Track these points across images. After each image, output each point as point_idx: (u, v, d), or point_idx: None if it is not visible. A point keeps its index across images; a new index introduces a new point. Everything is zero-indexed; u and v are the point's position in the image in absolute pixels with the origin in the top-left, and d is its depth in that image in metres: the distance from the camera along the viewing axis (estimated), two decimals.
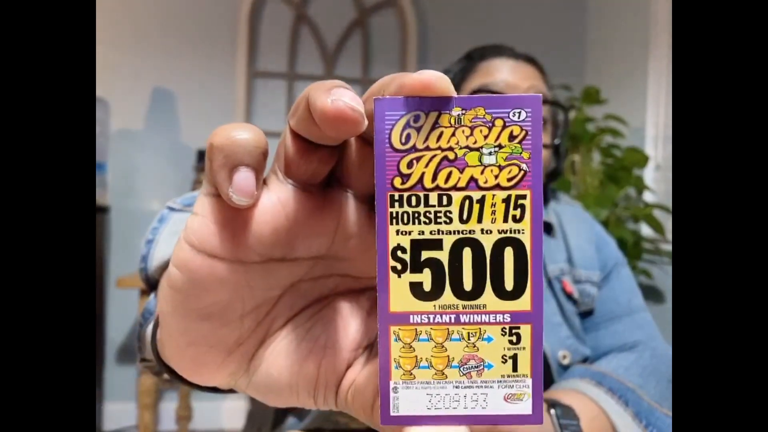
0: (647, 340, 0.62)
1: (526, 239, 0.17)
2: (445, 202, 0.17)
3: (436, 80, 0.17)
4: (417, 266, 0.17)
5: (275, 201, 0.19)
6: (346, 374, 0.21)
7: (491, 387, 0.18)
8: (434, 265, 0.17)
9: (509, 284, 0.17)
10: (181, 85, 1.81)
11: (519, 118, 0.17)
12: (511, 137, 0.17)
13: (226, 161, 0.18)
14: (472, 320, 0.18)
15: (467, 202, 0.17)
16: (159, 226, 0.38)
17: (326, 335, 0.21)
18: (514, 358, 0.18)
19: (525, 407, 0.18)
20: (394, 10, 1.94)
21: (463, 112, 0.17)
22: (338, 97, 0.16)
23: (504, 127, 0.17)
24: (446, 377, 0.18)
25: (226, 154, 0.18)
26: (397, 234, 0.17)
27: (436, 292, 0.18)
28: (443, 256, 0.17)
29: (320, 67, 1.91)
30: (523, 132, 0.17)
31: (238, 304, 0.20)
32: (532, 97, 0.17)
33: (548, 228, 0.67)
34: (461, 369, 0.18)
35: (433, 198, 0.17)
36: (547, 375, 0.59)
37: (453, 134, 0.17)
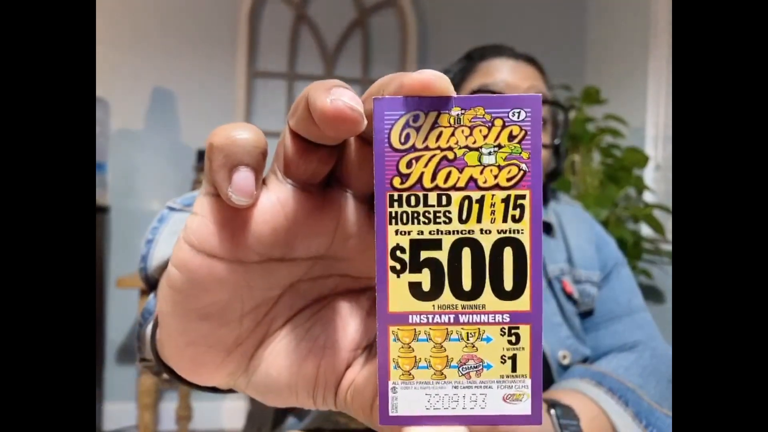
0: (647, 340, 0.62)
1: (525, 239, 0.17)
2: (444, 202, 0.17)
3: (435, 80, 0.17)
4: (416, 266, 0.17)
5: (274, 201, 0.19)
6: (345, 374, 0.21)
7: (490, 387, 0.18)
8: (433, 265, 0.17)
9: (508, 284, 0.17)
10: (181, 85, 1.81)
11: (518, 118, 0.17)
12: (511, 137, 0.17)
13: (225, 161, 0.18)
14: (471, 320, 0.18)
15: (466, 202, 0.17)
16: (159, 225, 0.38)
17: (325, 335, 0.21)
18: (513, 358, 0.18)
19: (524, 408, 0.18)
20: (394, 10, 1.94)
21: (463, 111, 0.17)
22: (337, 97, 0.16)
23: (503, 126, 0.17)
24: (445, 377, 0.18)
25: (225, 154, 0.18)
26: (396, 234, 0.17)
27: (435, 292, 0.18)
28: (442, 256, 0.17)
29: (320, 67, 1.91)
30: (523, 132, 0.17)
31: (238, 304, 0.20)
32: (531, 97, 0.17)
33: (548, 228, 0.67)
34: (460, 369, 0.18)
35: (433, 198, 0.17)
36: (547, 375, 0.59)
37: (452, 134, 0.17)
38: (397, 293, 0.17)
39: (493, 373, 0.18)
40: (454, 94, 0.17)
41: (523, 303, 0.17)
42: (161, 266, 0.36)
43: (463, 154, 0.17)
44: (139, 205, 1.79)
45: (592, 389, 0.51)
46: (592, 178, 1.56)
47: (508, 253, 0.17)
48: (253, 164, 0.18)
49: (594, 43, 2.02)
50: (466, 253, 0.17)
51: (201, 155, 1.75)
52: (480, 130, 0.17)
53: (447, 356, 0.18)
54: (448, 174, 0.17)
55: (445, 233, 0.17)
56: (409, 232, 0.17)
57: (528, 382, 0.18)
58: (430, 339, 0.18)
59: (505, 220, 0.17)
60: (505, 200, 0.17)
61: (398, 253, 0.17)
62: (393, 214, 0.17)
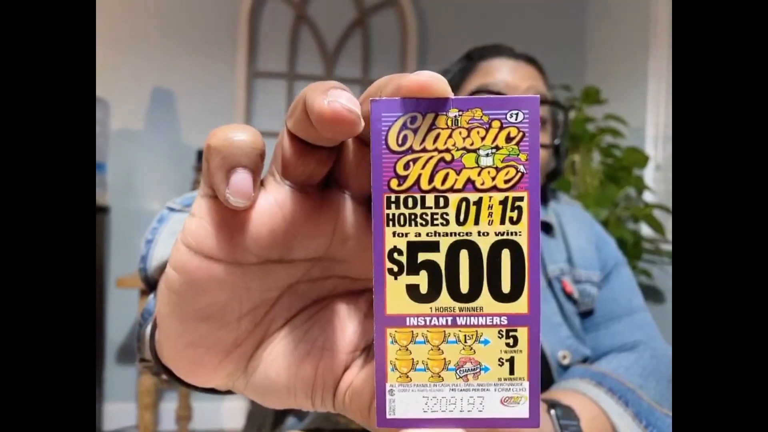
0: (647, 340, 0.62)
1: (523, 241, 0.17)
2: (441, 203, 0.17)
3: (433, 81, 0.16)
4: (413, 268, 0.17)
5: (272, 202, 0.19)
6: (343, 376, 0.21)
7: (488, 390, 0.18)
8: (431, 267, 0.17)
9: (506, 286, 0.17)
10: (181, 85, 1.81)
11: (516, 119, 0.17)
12: (509, 139, 0.17)
13: (223, 163, 0.18)
14: (468, 323, 0.18)
15: (464, 203, 0.17)
16: (158, 226, 0.38)
17: (324, 337, 0.21)
18: (511, 361, 0.18)
19: (522, 410, 0.18)
20: (394, 10, 1.94)
21: (460, 113, 0.17)
22: (335, 99, 0.16)
23: (501, 128, 0.17)
24: (443, 380, 0.18)
25: (223, 156, 0.18)
26: (394, 236, 0.17)
27: (432, 295, 0.17)
28: (440, 258, 0.17)
29: (320, 67, 1.91)
30: (521, 133, 0.17)
31: (236, 306, 0.20)
32: (529, 98, 0.17)
33: (548, 228, 0.67)
34: (458, 372, 0.18)
35: (430, 200, 0.17)
36: (547, 375, 0.59)
37: (450, 136, 0.17)
38: (395, 295, 0.17)
39: (490, 376, 0.18)
40: (451, 95, 0.17)
41: (520, 305, 0.17)
42: (161, 267, 0.36)
43: (461, 156, 0.17)
44: (139, 205, 1.79)
45: (592, 389, 0.51)
46: (592, 178, 1.56)
47: (505, 255, 0.17)
48: (250, 166, 0.18)
49: (594, 43, 2.02)
50: (464, 256, 0.17)
51: (201, 155, 1.74)
52: (478, 132, 0.17)
53: (444, 359, 0.18)
54: (446, 176, 0.17)
55: (443, 235, 0.17)
56: (406, 234, 0.17)
57: (526, 384, 0.18)
58: (428, 341, 0.18)
59: (502, 222, 0.17)
60: (503, 202, 0.17)
61: (395, 255, 0.17)
62: (390, 216, 0.17)
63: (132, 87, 1.78)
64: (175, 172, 1.80)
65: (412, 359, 0.18)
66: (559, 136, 0.68)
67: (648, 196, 1.60)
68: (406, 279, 0.17)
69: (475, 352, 0.18)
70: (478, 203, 0.17)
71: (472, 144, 0.17)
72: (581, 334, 0.64)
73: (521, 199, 0.17)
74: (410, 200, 0.17)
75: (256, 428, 0.72)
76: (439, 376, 0.18)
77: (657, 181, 1.64)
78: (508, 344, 0.18)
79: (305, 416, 0.61)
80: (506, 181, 0.17)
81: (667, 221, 1.53)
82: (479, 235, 0.17)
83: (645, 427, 0.49)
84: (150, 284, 0.37)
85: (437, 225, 0.17)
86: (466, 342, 0.18)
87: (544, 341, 0.60)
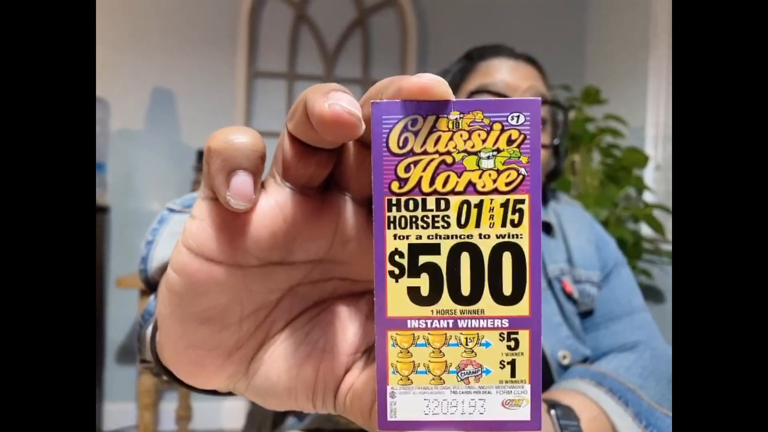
0: (647, 340, 0.62)
1: (524, 244, 0.17)
2: (442, 206, 0.17)
3: (434, 84, 0.16)
4: (415, 271, 0.17)
5: (273, 204, 0.19)
6: (344, 378, 0.21)
7: (489, 393, 0.18)
8: (432, 269, 0.17)
9: (507, 289, 0.17)
10: (181, 85, 1.81)
11: (517, 122, 0.17)
12: (510, 141, 0.17)
13: (223, 165, 0.18)
14: (470, 325, 0.18)
15: (465, 206, 0.17)
16: (159, 227, 0.38)
17: (325, 339, 0.21)
18: (513, 363, 0.18)
19: (523, 413, 0.18)
20: (394, 10, 1.94)
21: (461, 115, 0.17)
22: (335, 101, 0.16)
23: (502, 130, 0.17)
24: (444, 382, 0.18)
25: (223, 158, 0.18)
26: (395, 238, 0.17)
27: (433, 297, 0.17)
28: (441, 260, 0.17)
29: (320, 67, 1.91)
30: (522, 136, 0.17)
31: (237, 308, 0.20)
32: (530, 100, 0.17)
33: (548, 228, 0.67)
34: (459, 374, 0.18)
35: (431, 202, 0.17)
36: (547, 375, 0.59)
37: (451, 138, 0.17)
38: (396, 298, 0.17)
39: (492, 379, 0.18)
40: (452, 98, 0.17)
41: (522, 308, 0.17)
42: (161, 268, 0.36)
43: (462, 159, 0.17)
44: (139, 205, 1.79)
45: (592, 389, 0.51)
46: (592, 178, 1.56)
47: (507, 258, 0.17)
48: (251, 168, 0.18)
49: (594, 43, 2.02)
50: (465, 258, 0.17)
51: (201, 155, 1.74)
52: (479, 134, 0.17)
53: (446, 361, 0.18)
54: (447, 178, 0.17)
55: (444, 238, 0.17)
56: (407, 237, 0.17)
57: (527, 387, 0.18)
58: (429, 344, 0.18)
59: (503, 225, 0.17)
60: (504, 205, 0.17)
61: (397, 257, 0.17)
62: (391, 219, 0.17)
63: (132, 87, 1.78)
64: (175, 172, 1.80)
65: (413, 362, 0.18)
66: (559, 136, 0.68)
67: (648, 196, 1.60)
68: (407, 282, 0.17)
69: (476, 354, 0.18)
70: (479, 206, 0.17)
71: (473, 146, 0.17)
72: (581, 334, 0.64)
73: (522, 201, 0.17)
74: (411, 203, 0.17)
75: (256, 428, 0.72)
76: (441, 379, 0.18)
77: (657, 181, 1.64)
78: (509, 347, 0.18)
79: (305, 416, 0.61)
80: (507, 184, 0.17)
81: (667, 221, 1.53)
82: (480, 237, 0.17)
83: (645, 427, 0.49)
84: (150, 285, 0.37)
85: (438, 228, 0.17)
86: (467, 345, 0.18)
87: (544, 341, 0.60)
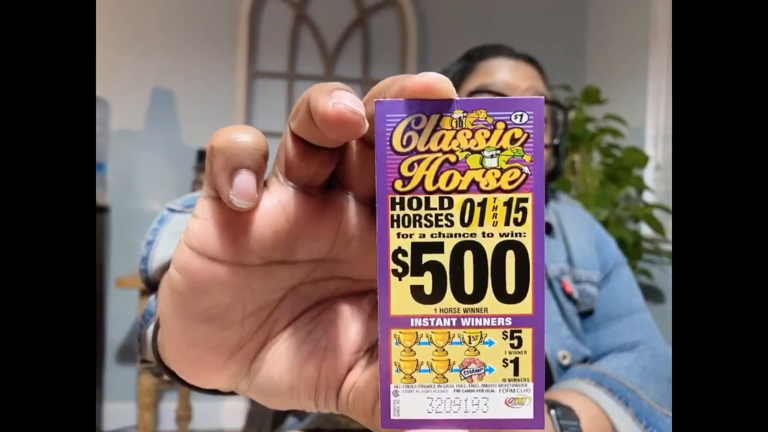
0: (647, 340, 0.62)
1: (527, 242, 0.17)
2: (446, 205, 0.17)
3: (437, 83, 0.16)
4: (418, 269, 0.17)
5: (276, 203, 0.19)
6: (346, 377, 0.21)
7: (492, 391, 0.18)
8: (435, 268, 0.17)
9: (510, 288, 0.17)
10: (181, 85, 1.81)
11: (521, 120, 0.17)
12: (513, 140, 0.17)
13: (226, 164, 0.18)
14: (473, 324, 0.18)
15: (468, 205, 0.17)
16: (159, 227, 0.38)
17: (327, 338, 0.21)
18: (516, 362, 0.18)
19: (526, 411, 0.18)
20: (394, 10, 1.94)
21: (465, 114, 0.17)
22: (339, 100, 0.16)
23: (506, 129, 0.17)
24: (447, 381, 0.18)
25: (226, 157, 0.18)
26: (398, 237, 0.17)
27: (437, 296, 0.17)
28: (444, 259, 0.17)
29: (320, 67, 1.91)
30: (525, 135, 0.17)
31: (239, 307, 0.20)
32: (534, 99, 0.17)
33: (548, 228, 0.67)
34: (462, 372, 0.18)
35: (434, 201, 0.17)
36: (547, 375, 0.59)
37: (454, 137, 0.17)
38: (399, 296, 0.17)
39: (495, 377, 0.18)
40: (456, 96, 0.17)
41: (525, 306, 0.17)
42: (162, 268, 0.36)
43: (465, 157, 0.17)
44: (139, 205, 1.79)
45: (592, 389, 0.51)
46: (592, 178, 1.56)
47: (510, 257, 0.17)
48: (254, 167, 0.18)
49: (594, 43, 2.02)
50: (468, 257, 0.17)
51: (201, 155, 1.75)
52: (482, 133, 0.17)
53: (449, 359, 0.18)
54: (450, 177, 0.17)
55: (447, 236, 0.17)
56: (410, 235, 0.17)
57: (530, 385, 0.18)
58: (432, 342, 0.18)
59: (507, 224, 0.17)
60: (508, 203, 0.17)
61: (400, 256, 0.17)
62: (395, 217, 0.17)
63: (132, 87, 1.78)
64: (175, 172, 1.80)
65: (417, 360, 0.18)
66: (559, 136, 0.68)
67: (648, 196, 1.61)
68: (410, 280, 0.17)
69: (479, 353, 0.18)
70: (483, 204, 0.17)
71: (476, 145, 0.17)
72: (581, 334, 0.64)
73: (526, 200, 0.17)
74: (414, 201, 0.17)
75: (256, 428, 0.72)
76: (444, 377, 0.18)
77: (657, 181, 1.64)
78: (512, 345, 0.18)
79: (305, 416, 0.61)
80: (511, 182, 0.17)
81: (667, 221, 1.53)
82: (484, 236, 0.17)
83: (645, 427, 0.49)
84: (151, 285, 0.37)
85: (442, 226, 0.17)
86: (470, 343, 0.18)
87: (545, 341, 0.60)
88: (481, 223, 0.17)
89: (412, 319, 0.18)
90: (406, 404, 0.18)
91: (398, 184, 0.17)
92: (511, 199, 0.17)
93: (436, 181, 0.17)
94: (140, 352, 0.36)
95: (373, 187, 0.19)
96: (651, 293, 1.56)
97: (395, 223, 0.17)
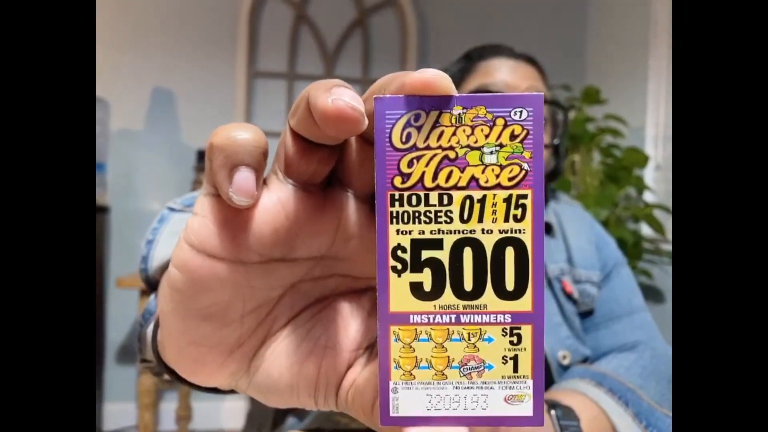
0: (647, 340, 0.62)
1: (527, 239, 0.17)
2: (445, 201, 0.17)
3: (437, 79, 0.16)
4: (417, 266, 0.17)
5: (275, 201, 0.19)
6: (346, 375, 0.21)
7: (492, 388, 0.18)
8: (434, 264, 0.17)
9: (510, 284, 0.17)
10: (181, 85, 1.81)
11: (520, 117, 0.17)
12: (513, 136, 0.17)
13: (226, 161, 0.18)
14: (472, 320, 0.18)
15: (468, 201, 0.17)
16: (159, 226, 0.38)
17: (327, 336, 0.21)
18: (515, 359, 0.18)
19: (526, 408, 0.18)
20: (394, 10, 1.94)
21: (464, 111, 0.17)
22: (338, 97, 0.16)
23: (505, 126, 0.17)
24: (446, 378, 0.18)
25: (226, 154, 0.18)
26: (398, 233, 0.17)
27: (436, 292, 0.17)
28: (444, 255, 0.17)
29: (320, 67, 1.91)
30: (525, 131, 0.17)
31: (239, 305, 0.20)
32: (533, 96, 0.17)
33: (548, 228, 0.67)
34: (461, 370, 0.18)
35: (434, 197, 0.17)
36: (547, 375, 0.59)
37: (454, 133, 0.17)
38: (398, 293, 0.17)
39: (494, 374, 0.18)
40: (455, 93, 0.17)
41: (524, 303, 0.17)
42: (162, 267, 0.36)
43: (465, 154, 0.17)
44: (139, 205, 1.79)
45: (592, 389, 0.51)
46: (592, 178, 1.56)
47: (509, 253, 0.17)
48: (253, 164, 0.18)
49: (594, 43, 2.02)
50: (468, 253, 0.17)
51: (201, 155, 1.75)
52: (482, 130, 0.17)
53: (448, 356, 0.18)
54: (450, 173, 0.17)
55: (447, 233, 0.17)
56: (410, 232, 0.17)
57: (530, 383, 0.18)
58: (431, 339, 0.18)
59: (506, 220, 0.17)
60: (507, 200, 0.17)
61: (399, 252, 0.17)
62: (394, 214, 0.17)
63: (132, 87, 1.78)
64: (175, 172, 1.80)
65: (416, 357, 0.18)
66: (559, 136, 0.68)
67: (648, 196, 1.60)
68: (409, 277, 0.17)
69: (478, 349, 0.18)
70: (482, 201, 0.17)
71: (476, 141, 0.17)
72: (581, 334, 0.64)
73: (525, 196, 0.17)
74: (414, 198, 0.17)
75: (256, 428, 0.72)
76: (443, 374, 0.18)
77: (657, 181, 1.64)
78: (511, 342, 0.18)
79: (305, 416, 0.61)
80: (510, 179, 0.17)
81: (667, 221, 1.53)
82: (483, 232, 0.17)
83: (645, 427, 0.49)
84: (151, 285, 0.37)
85: (441, 223, 0.17)
86: (469, 340, 0.18)
87: (544, 341, 0.60)
88: (480, 220, 0.17)
89: (411, 316, 0.18)
90: (406, 401, 0.18)
91: (398, 181, 0.17)
92: (510, 196, 0.17)
93: (435, 177, 0.17)
94: (140, 352, 0.36)
95: (372, 184, 0.19)
96: (651, 293, 1.56)
97: (394, 220, 0.17)
